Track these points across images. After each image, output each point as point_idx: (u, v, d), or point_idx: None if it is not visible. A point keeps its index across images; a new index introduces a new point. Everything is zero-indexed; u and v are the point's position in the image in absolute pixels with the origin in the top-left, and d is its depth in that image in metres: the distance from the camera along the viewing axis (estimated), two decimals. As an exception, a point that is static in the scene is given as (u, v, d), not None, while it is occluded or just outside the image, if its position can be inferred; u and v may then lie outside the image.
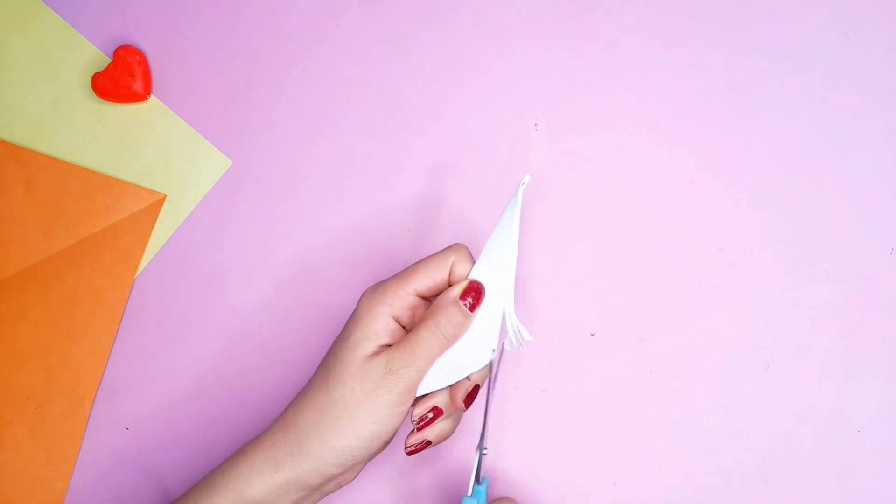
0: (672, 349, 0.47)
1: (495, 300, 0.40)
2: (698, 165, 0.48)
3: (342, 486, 0.42)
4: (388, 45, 0.51)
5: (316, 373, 0.41)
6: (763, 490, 0.46)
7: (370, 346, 0.39)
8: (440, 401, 0.41)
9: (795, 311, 0.47)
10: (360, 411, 0.38)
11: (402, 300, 0.40)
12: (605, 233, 0.48)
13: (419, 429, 0.41)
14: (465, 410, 0.41)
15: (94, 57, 0.52)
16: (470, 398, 0.40)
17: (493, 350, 0.40)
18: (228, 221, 0.50)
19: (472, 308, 0.40)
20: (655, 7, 0.49)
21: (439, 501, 0.47)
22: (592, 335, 0.47)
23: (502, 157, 0.49)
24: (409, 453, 0.41)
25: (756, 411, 0.46)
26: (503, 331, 0.40)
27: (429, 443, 0.41)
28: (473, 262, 0.41)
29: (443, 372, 0.40)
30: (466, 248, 0.41)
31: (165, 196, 0.51)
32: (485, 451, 0.41)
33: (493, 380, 0.41)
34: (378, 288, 0.40)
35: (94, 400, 0.49)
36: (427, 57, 0.50)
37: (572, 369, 0.47)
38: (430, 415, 0.41)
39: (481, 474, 0.41)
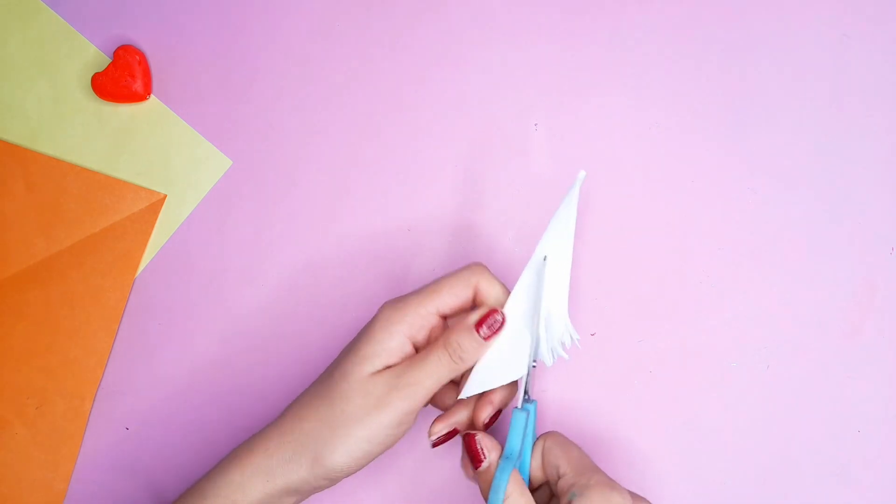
0: (672, 349, 0.47)
1: (547, 308, 0.40)
2: (698, 165, 0.48)
3: (334, 485, 0.41)
4: (388, 45, 0.51)
5: (319, 380, 0.41)
6: (763, 490, 0.46)
7: (378, 364, 0.39)
8: (460, 420, 0.41)
9: (795, 311, 0.47)
10: (359, 430, 0.38)
11: (422, 319, 0.39)
12: (604, 232, 0.48)
13: (435, 445, 0.41)
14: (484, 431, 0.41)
15: (94, 57, 0.52)
16: (491, 422, 0.41)
17: (533, 358, 0.40)
18: (228, 221, 0.50)
19: (488, 338, 0.39)
20: (655, 7, 0.49)
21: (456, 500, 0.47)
22: (592, 335, 0.47)
23: (502, 157, 0.49)
24: (434, 445, 0.41)
25: (756, 411, 0.46)
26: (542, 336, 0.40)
27: (456, 431, 0.41)
28: (497, 282, 0.41)
29: (487, 375, 0.40)
30: (487, 268, 0.41)
31: (165, 196, 0.51)
32: (534, 364, 0.40)
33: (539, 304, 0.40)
34: (398, 304, 0.40)
35: (94, 400, 0.49)
36: (427, 56, 0.50)
37: (572, 369, 0.47)
38: (452, 429, 0.41)
39: (531, 392, 0.41)
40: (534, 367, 0.40)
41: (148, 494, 0.49)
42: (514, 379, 0.40)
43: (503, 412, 0.42)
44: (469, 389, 0.40)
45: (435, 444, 0.41)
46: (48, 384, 0.50)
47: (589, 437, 0.46)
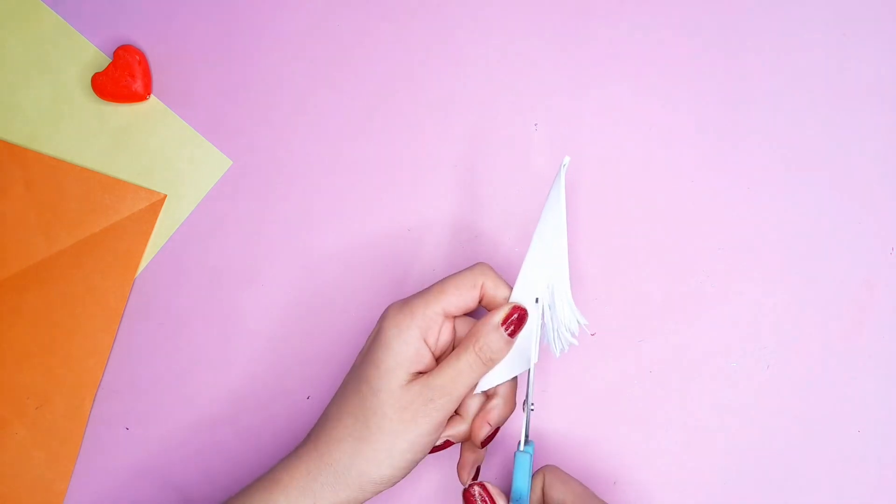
0: (672, 349, 0.47)
1: (548, 297, 0.40)
2: (698, 165, 0.48)
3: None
4: (388, 46, 0.51)
5: (345, 396, 0.40)
6: (763, 490, 0.46)
7: (404, 375, 0.39)
8: (454, 433, 0.41)
9: (795, 310, 0.47)
10: (400, 442, 0.38)
11: (429, 320, 0.39)
12: (605, 233, 0.48)
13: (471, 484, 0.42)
14: (481, 449, 0.42)
15: (94, 57, 0.52)
16: (488, 440, 0.41)
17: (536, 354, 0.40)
18: (228, 221, 0.50)
19: (513, 334, 0.40)
20: (655, 7, 0.49)
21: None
22: (592, 335, 0.47)
23: (502, 157, 0.49)
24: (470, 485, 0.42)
25: (756, 411, 0.46)
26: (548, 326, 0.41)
27: (449, 442, 0.42)
28: (503, 281, 0.41)
29: (498, 369, 0.41)
30: (491, 267, 0.41)
31: (165, 196, 0.51)
32: (532, 408, 0.41)
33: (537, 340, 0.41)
34: (405, 307, 0.40)
35: (94, 400, 0.49)
36: (427, 57, 0.50)
37: (572, 369, 0.47)
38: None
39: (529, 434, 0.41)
40: (532, 410, 0.41)
41: (147, 494, 0.49)
42: (524, 370, 0.41)
43: (500, 430, 0.42)
44: (482, 385, 0.41)
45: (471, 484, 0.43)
46: (48, 384, 0.50)
47: (588, 437, 0.47)
